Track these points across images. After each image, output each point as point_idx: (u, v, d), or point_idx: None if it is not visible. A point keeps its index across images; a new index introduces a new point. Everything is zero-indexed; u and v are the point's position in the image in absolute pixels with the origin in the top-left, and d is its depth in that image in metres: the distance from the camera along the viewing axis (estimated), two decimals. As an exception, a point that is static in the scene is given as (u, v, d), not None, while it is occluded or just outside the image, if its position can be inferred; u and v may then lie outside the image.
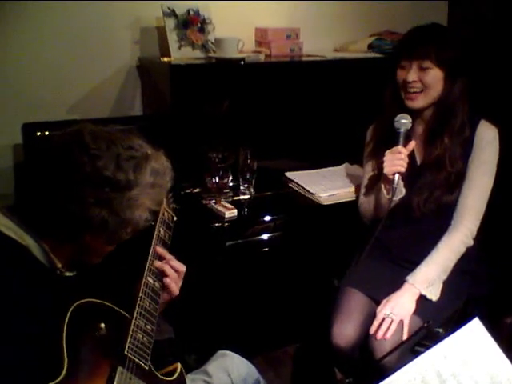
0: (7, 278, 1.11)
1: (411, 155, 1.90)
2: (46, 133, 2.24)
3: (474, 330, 1.17)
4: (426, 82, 1.82)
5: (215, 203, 2.25)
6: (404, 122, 1.83)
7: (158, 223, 1.44)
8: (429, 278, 1.81)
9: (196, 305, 2.18)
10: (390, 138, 1.89)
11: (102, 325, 1.21)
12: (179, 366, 1.36)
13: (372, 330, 1.75)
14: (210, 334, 2.18)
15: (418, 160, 1.95)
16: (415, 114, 1.91)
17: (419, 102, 1.86)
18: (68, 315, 1.16)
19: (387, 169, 1.81)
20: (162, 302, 1.41)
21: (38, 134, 2.24)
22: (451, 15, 3.23)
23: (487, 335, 1.17)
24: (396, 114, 1.87)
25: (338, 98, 2.59)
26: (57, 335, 1.13)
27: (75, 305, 1.18)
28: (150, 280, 1.35)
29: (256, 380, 1.54)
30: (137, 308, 1.28)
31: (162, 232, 1.45)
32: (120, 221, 1.19)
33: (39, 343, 1.10)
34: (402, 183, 1.83)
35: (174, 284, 1.41)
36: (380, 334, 1.72)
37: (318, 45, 2.83)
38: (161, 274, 1.40)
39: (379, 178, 1.93)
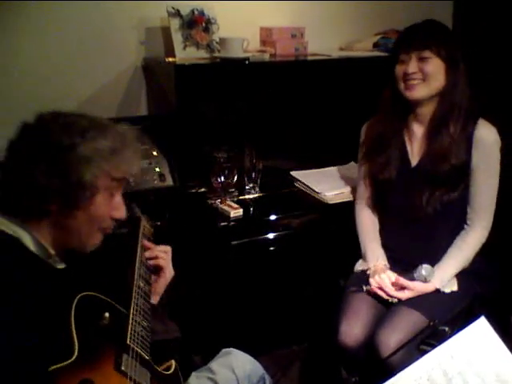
0: (8, 267, 1.15)
1: (404, 159, 1.93)
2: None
3: (481, 329, 1.17)
4: (427, 72, 1.80)
5: (221, 203, 2.25)
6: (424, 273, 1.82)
7: (139, 236, 1.56)
8: (447, 276, 1.85)
9: (202, 304, 2.19)
10: (383, 140, 1.94)
11: (107, 314, 1.26)
12: (173, 362, 1.40)
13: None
14: (216, 332, 2.18)
15: (413, 162, 1.94)
16: (415, 114, 1.91)
17: (419, 92, 1.83)
18: (74, 304, 1.20)
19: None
20: (163, 285, 1.55)
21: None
22: (456, 13, 3.22)
23: (493, 334, 1.17)
24: (392, 112, 1.92)
25: (343, 97, 2.59)
26: (65, 321, 1.16)
27: (80, 295, 1.22)
28: (141, 284, 1.42)
29: (261, 376, 1.55)
30: (132, 305, 1.33)
31: (144, 243, 1.58)
32: (70, 182, 1.21)
33: (47, 328, 1.13)
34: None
35: (168, 265, 1.56)
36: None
37: (323, 44, 2.83)
38: (153, 264, 1.55)
39: (372, 184, 2.02)
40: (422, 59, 1.80)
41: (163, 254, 1.56)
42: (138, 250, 1.52)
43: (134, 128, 1.38)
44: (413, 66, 1.80)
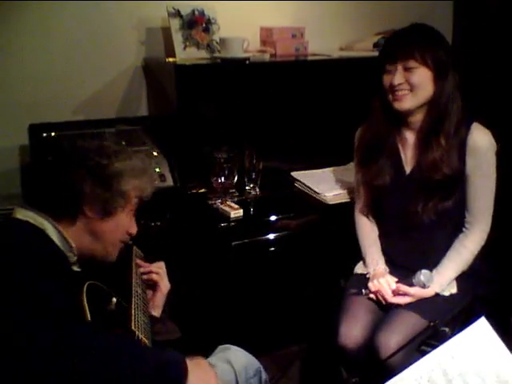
0: (32, 255, 1.23)
1: (398, 167, 1.91)
2: (52, 134, 2.25)
3: (481, 329, 1.17)
4: (413, 83, 1.74)
5: (221, 203, 2.25)
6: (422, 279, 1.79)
7: (133, 256, 1.66)
8: (446, 281, 1.84)
9: (202, 304, 2.19)
10: (376, 147, 1.91)
11: (114, 299, 1.37)
12: None
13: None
14: (216, 333, 2.18)
15: (407, 170, 1.91)
16: (406, 122, 1.87)
17: (407, 103, 1.78)
18: (85, 288, 1.29)
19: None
20: (161, 299, 1.63)
21: (44, 134, 2.25)
22: (456, 13, 3.22)
23: (494, 334, 1.17)
24: (383, 119, 1.88)
25: (343, 98, 2.59)
26: (78, 300, 1.26)
27: (89, 282, 1.32)
28: (139, 290, 1.51)
29: (257, 369, 1.57)
30: (133, 300, 1.41)
31: (138, 261, 1.68)
32: (112, 190, 1.40)
33: (65, 302, 1.19)
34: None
35: (162, 280, 1.65)
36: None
37: (323, 44, 2.83)
38: (147, 278, 1.64)
39: (368, 190, 1.99)
40: (407, 69, 1.74)
41: (157, 269, 1.65)
42: (133, 265, 1.60)
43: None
44: (398, 78, 1.75)
